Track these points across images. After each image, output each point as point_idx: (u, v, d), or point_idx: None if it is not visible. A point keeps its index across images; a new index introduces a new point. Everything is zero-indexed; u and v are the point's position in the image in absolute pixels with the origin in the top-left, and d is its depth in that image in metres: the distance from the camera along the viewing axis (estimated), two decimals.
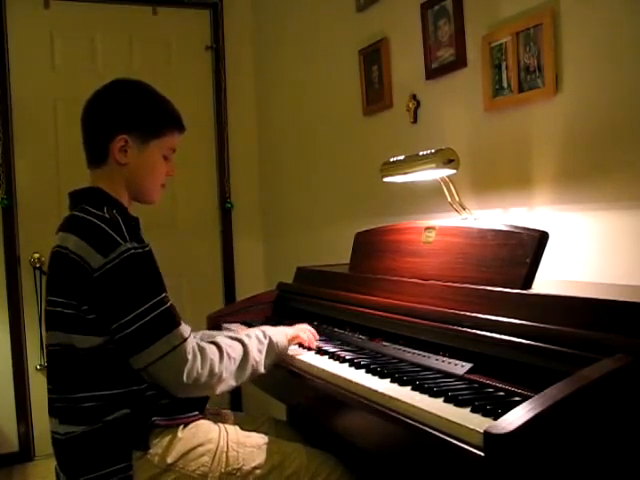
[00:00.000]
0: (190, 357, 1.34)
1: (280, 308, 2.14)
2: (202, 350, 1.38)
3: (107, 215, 1.38)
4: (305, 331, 1.68)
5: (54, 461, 1.45)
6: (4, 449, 3.26)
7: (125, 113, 1.48)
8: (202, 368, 1.36)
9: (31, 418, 3.29)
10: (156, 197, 1.58)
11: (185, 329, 1.37)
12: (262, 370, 1.51)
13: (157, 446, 1.38)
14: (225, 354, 1.41)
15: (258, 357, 1.49)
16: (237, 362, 1.44)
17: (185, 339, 1.35)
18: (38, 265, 3.25)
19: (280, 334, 1.59)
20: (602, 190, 1.61)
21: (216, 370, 1.38)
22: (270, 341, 1.54)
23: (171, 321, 1.36)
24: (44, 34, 3.32)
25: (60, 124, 3.32)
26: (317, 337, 1.71)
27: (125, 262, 1.33)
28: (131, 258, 1.34)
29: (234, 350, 1.45)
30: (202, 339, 1.78)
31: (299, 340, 1.66)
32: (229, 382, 1.43)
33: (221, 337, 1.48)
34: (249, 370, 1.47)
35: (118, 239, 1.34)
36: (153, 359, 1.33)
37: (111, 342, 1.36)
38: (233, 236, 3.65)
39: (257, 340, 1.52)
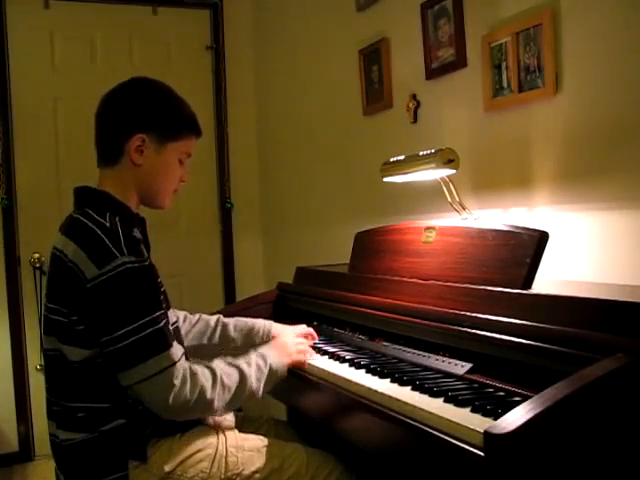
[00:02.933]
0: (178, 382, 1.28)
1: (280, 308, 2.14)
2: (193, 375, 1.32)
3: (108, 224, 1.34)
4: (305, 352, 1.61)
5: (54, 461, 1.44)
6: (4, 449, 3.26)
7: (144, 112, 1.45)
8: (191, 394, 1.30)
9: (31, 418, 3.29)
10: (167, 202, 1.53)
11: (176, 351, 1.32)
12: (259, 396, 1.45)
13: (155, 455, 1.37)
14: (219, 382, 1.36)
15: (256, 386, 1.43)
16: (232, 390, 1.38)
17: (174, 362, 1.30)
18: (38, 265, 3.25)
19: (281, 359, 1.52)
20: (602, 190, 1.61)
21: (207, 396, 1.32)
22: (270, 369, 1.47)
23: (162, 342, 1.30)
24: (44, 34, 3.32)
25: (60, 124, 3.33)
26: (316, 338, 1.70)
27: (119, 276, 1.29)
28: (126, 272, 1.30)
29: (230, 378, 1.38)
30: (236, 325, 1.77)
31: (300, 363, 1.58)
32: (222, 410, 1.39)
33: (218, 362, 1.42)
34: (244, 397, 1.41)
35: (115, 251, 1.30)
36: (140, 379, 1.28)
37: (100, 356, 1.32)
38: (233, 236, 3.65)
39: (257, 368, 1.45)
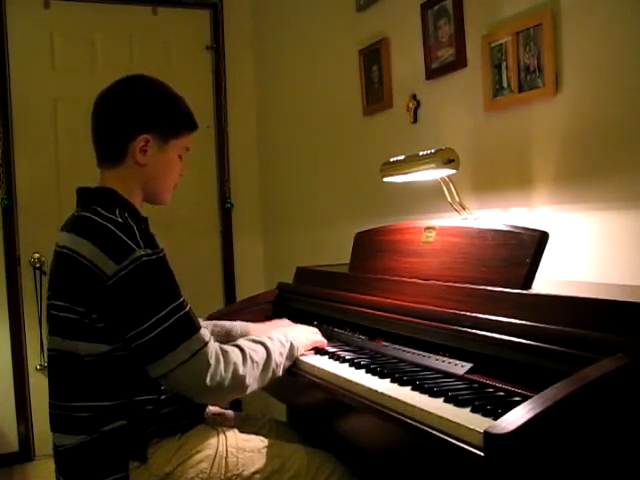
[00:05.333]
0: (213, 361, 1.31)
1: (280, 308, 2.14)
2: (225, 353, 1.34)
3: (120, 219, 1.34)
4: (318, 341, 1.65)
5: (54, 463, 1.44)
6: (4, 449, 3.26)
7: (146, 112, 1.45)
8: (225, 371, 1.32)
9: (31, 418, 3.29)
10: (169, 198, 1.56)
11: (205, 333, 1.34)
12: (280, 373, 1.48)
13: (155, 455, 1.36)
14: (248, 358, 1.38)
15: (279, 360, 1.46)
16: (260, 366, 1.41)
17: (206, 343, 1.32)
18: (38, 265, 3.25)
19: (300, 339, 1.56)
20: (602, 190, 1.61)
21: (240, 372, 1.35)
22: (291, 345, 1.51)
23: (191, 326, 1.32)
24: (44, 34, 3.32)
25: (60, 124, 3.33)
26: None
27: (139, 269, 1.30)
28: (145, 265, 1.31)
29: (257, 354, 1.41)
30: (214, 330, 1.77)
31: (321, 344, 1.63)
32: (253, 386, 1.40)
33: (243, 340, 1.45)
34: (270, 373, 1.44)
35: (132, 245, 1.31)
36: (174, 366, 1.29)
37: (120, 350, 1.33)
38: (233, 236, 3.66)
39: (280, 343, 1.49)
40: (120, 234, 1.32)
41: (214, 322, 1.83)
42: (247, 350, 1.40)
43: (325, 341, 1.66)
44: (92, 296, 1.32)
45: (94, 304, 1.32)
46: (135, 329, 1.30)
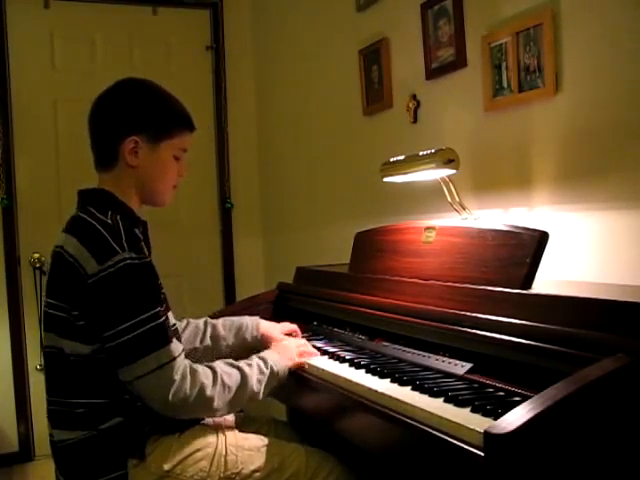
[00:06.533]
0: (178, 377, 1.30)
1: (280, 308, 2.14)
2: (194, 372, 1.34)
3: (109, 221, 1.35)
4: (308, 353, 1.61)
5: (54, 462, 1.44)
6: (4, 449, 3.26)
7: (134, 114, 1.46)
8: (190, 389, 1.31)
9: (31, 418, 3.29)
10: (168, 199, 1.54)
11: (176, 347, 1.34)
12: (260, 398, 1.46)
13: (154, 453, 1.37)
14: (219, 381, 1.37)
15: (257, 388, 1.44)
16: (232, 391, 1.39)
17: (174, 358, 1.31)
18: (38, 265, 3.25)
19: (282, 362, 1.52)
20: (602, 190, 1.61)
21: (207, 394, 1.34)
22: (271, 371, 1.48)
23: (162, 338, 1.32)
24: (44, 34, 3.32)
25: (60, 124, 3.33)
26: (300, 334, 1.70)
27: (120, 272, 1.31)
28: (127, 268, 1.31)
29: (230, 378, 1.39)
30: (224, 324, 1.76)
31: (302, 365, 1.57)
32: (223, 409, 1.39)
33: (220, 362, 1.44)
34: (245, 399, 1.42)
35: (116, 247, 1.32)
36: (140, 374, 1.30)
37: (100, 352, 1.34)
38: (233, 236, 3.66)
39: (258, 370, 1.46)
40: (106, 235, 1.33)
41: (224, 318, 1.82)
42: (219, 372, 1.38)
43: (307, 360, 1.58)
44: (74, 293, 1.33)
45: (76, 301, 1.34)
46: (109, 330, 1.31)
